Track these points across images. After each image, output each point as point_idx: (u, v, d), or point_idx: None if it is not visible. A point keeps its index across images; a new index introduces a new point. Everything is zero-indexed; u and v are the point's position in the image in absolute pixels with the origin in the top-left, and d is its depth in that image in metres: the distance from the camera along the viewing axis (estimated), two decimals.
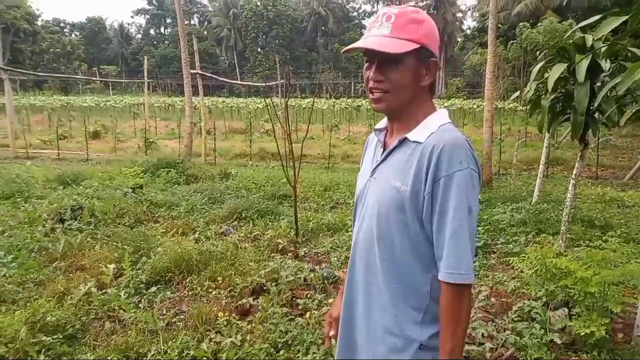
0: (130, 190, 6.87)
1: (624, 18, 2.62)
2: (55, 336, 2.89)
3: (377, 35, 1.26)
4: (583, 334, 2.74)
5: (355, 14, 69.35)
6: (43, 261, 4.23)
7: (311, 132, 16.84)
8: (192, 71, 10.90)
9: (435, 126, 1.27)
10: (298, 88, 46.83)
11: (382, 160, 1.35)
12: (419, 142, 1.26)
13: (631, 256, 3.31)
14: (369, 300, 1.35)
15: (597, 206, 6.30)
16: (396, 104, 1.29)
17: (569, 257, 3.12)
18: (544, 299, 3.25)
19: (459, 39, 58.98)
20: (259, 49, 60.29)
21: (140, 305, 3.47)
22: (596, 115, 3.94)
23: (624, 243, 3.51)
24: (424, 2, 62.97)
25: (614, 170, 10.50)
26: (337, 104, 27.94)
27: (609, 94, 3.57)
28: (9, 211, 5.85)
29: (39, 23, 53.86)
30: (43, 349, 2.74)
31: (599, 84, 3.83)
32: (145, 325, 3.09)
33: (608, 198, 6.86)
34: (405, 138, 1.29)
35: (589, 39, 3.66)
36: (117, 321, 3.24)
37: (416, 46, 1.24)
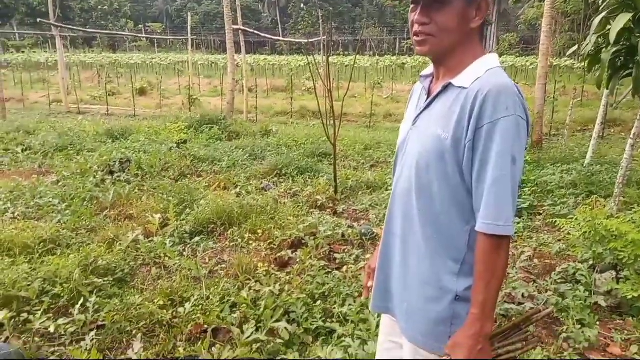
0: (175, 145, 7.04)
1: None
2: (106, 279, 3.06)
3: None
4: (630, 297, 2.64)
5: None
6: (94, 210, 4.45)
7: (353, 90, 16.53)
8: (234, 27, 10.82)
9: (481, 70, 1.19)
10: (341, 45, 45.82)
11: (425, 108, 1.29)
12: (463, 88, 1.19)
13: None
14: (406, 249, 1.33)
15: None
16: (442, 47, 1.22)
17: (620, 220, 2.97)
18: (591, 262, 3.13)
19: None
20: (302, 5, 59.00)
21: (184, 253, 3.61)
22: None
23: None
24: None
25: None
26: (381, 61, 27.20)
27: None
28: (63, 162, 6.15)
29: None
30: (95, 290, 2.91)
31: None
32: (188, 272, 3.22)
33: None
34: (450, 83, 1.23)
35: None
36: (162, 267, 3.39)
37: None
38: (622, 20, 3.43)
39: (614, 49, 3.70)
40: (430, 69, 1.37)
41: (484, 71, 1.19)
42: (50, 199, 4.56)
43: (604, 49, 3.94)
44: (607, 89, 4.14)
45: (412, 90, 1.49)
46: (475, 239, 1.19)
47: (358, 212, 4.78)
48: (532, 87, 12.31)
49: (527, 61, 25.98)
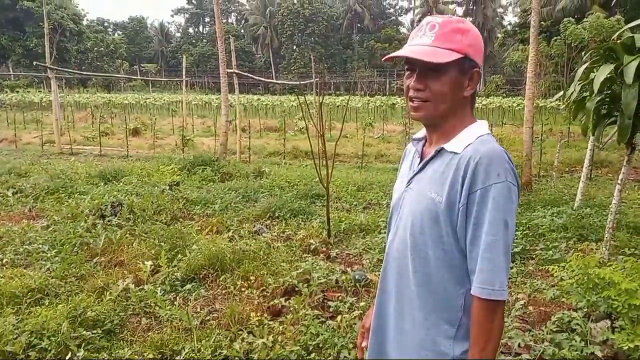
0: (168, 187, 7.03)
1: None
2: (95, 331, 2.99)
3: (419, 44, 1.24)
4: (626, 347, 2.61)
5: (391, 10, 68.61)
6: (84, 256, 4.39)
7: (345, 130, 16.78)
8: (229, 70, 11.05)
9: (473, 137, 1.24)
10: (332, 85, 46.74)
11: (419, 171, 1.33)
12: (455, 153, 1.23)
13: None
14: (401, 311, 1.33)
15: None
16: (435, 113, 1.27)
17: (612, 267, 2.99)
18: (585, 310, 3.12)
19: (499, 35, 57.48)
20: (295, 47, 60.53)
21: (175, 302, 3.55)
22: None
23: None
24: None
25: None
26: (372, 102, 27.74)
27: None
28: (54, 206, 6.10)
29: (84, 23, 55.86)
30: (83, 343, 2.84)
31: None
32: (180, 323, 3.16)
33: None
34: (442, 148, 1.27)
35: (639, 39, 3.48)
36: (153, 317, 3.32)
37: (459, 56, 1.21)
38: (605, 70, 3.56)
39: (598, 98, 3.83)
40: (422, 132, 1.42)
41: (475, 138, 1.24)
42: (40, 245, 4.50)
43: (587, 98, 4.06)
44: (593, 135, 4.25)
45: (405, 151, 1.53)
46: (471, 302, 1.20)
47: (352, 256, 4.76)
48: (519, 128, 12.57)
49: (513, 102, 26.65)
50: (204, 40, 70.15)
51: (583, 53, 4.24)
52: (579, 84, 4.04)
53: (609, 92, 3.92)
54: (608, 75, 3.63)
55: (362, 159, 11.43)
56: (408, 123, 14.79)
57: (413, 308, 1.29)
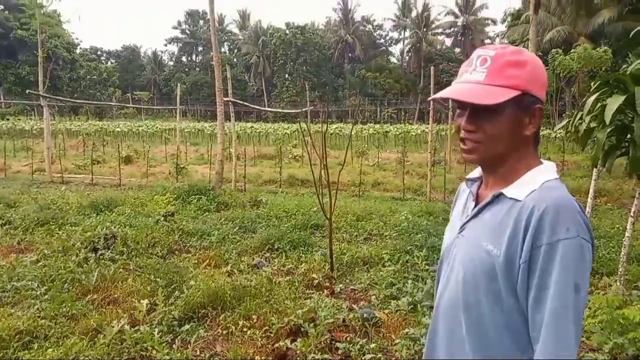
0: (162, 217, 6.83)
1: None
2: None
3: (469, 81, 1.11)
4: None
5: (382, 40, 69.93)
6: (76, 293, 4.16)
7: (339, 158, 16.74)
8: (225, 99, 11.00)
9: (538, 182, 1.09)
10: (326, 114, 47.06)
11: (473, 216, 1.18)
12: (516, 200, 1.09)
13: None
14: None
15: None
16: (491, 156, 1.13)
17: (637, 307, 2.85)
18: (610, 352, 2.96)
19: None
20: (287, 75, 61.19)
21: (174, 345, 3.33)
22: None
23: None
24: (452, 29, 63.25)
25: None
26: (365, 129, 27.88)
27: None
28: (44, 238, 5.87)
29: (78, 51, 56.18)
30: None
31: None
32: None
33: None
34: (501, 193, 1.12)
35: None
36: None
37: (516, 93, 1.07)
38: (616, 101, 3.50)
39: (609, 129, 3.76)
40: (477, 171, 1.28)
41: (540, 183, 1.09)
42: (29, 282, 4.26)
43: (596, 128, 4.00)
44: (603, 166, 4.17)
45: (457, 192, 1.40)
46: None
47: (357, 291, 4.57)
48: None
49: None
50: (197, 69, 70.78)
51: (592, 84, 4.18)
52: (588, 115, 3.97)
53: (618, 122, 3.86)
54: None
55: (359, 187, 11.32)
56: (402, 151, 14.79)
57: None
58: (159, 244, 5.67)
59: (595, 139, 3.94)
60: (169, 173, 13.97)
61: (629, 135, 3.82)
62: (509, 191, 1.11)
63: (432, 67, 11.61)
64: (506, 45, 1.16)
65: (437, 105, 11.22)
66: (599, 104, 3.94)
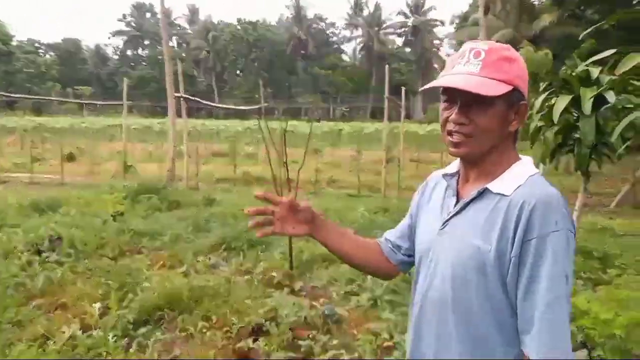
0: (111, 217, 6.55)
1: None
2: None
3: (463, 72, 1.11)
4: None
5: (334, 38, 70.49)
6: (20, 298, 3.90)
7: (292, 155, 16.76)
8: (177, 94, 10.70)
9: (522, 177, 1.12)
10: (280, 111, 46.87)
11: (456, 213, 1.18)
12: (503, 195, 1.10)
13: None
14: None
15: (591, 236, 6.27)
16: (479, 150, 1.13)
17: (585, 297, 3.02)
18: None
19: (435, 66, 60.50)
20: (238, 72, 60.39)
21: (130, 350, 3.19)
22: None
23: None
24: (402, 30, 64.68)
25: (600, 198, 10.64)
26: (319, 127, 27.98)
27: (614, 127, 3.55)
28: None
29: (14, 43, 52.86)
30: None
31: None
32: None
33: (599, 227, 6.87)
34: (486, 189, 1.13)
35: (594, 71, 3.65)
36: None
37: (509, 88, 1.09)
38: (563, 102, 3.69)
39: (557, 128, 3.95)
40: (454, 166, 1.27)
41: (525, 178, 1.11)
42: None
43: (544, 127, 4.21)
44: (551, 163, 4.39)
45: (425, 184, 1.38)
46: None
47: (317, 288, 4.57)
48: None
49: None
50: (143, 63, 68.42)
51: (541, 84, 4.39)
52: (538, 114, 4.16)
53: (565, 122, 4.07)
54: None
55: (314, 185, 11.33)
56: (356, 148, 14.96)
57: None
58: (109, 245, 5.42)
59: (543, 137, 4.14)
60: (116, 171, 13.41)
61: (574, 134, 4.04)
62: (494, 186, 1.12)
63: (387, 66, 11.79)
64: (493, 42, 1.18)
65: (390, 104, 11.41)
66: (546, 104, 4.15)
